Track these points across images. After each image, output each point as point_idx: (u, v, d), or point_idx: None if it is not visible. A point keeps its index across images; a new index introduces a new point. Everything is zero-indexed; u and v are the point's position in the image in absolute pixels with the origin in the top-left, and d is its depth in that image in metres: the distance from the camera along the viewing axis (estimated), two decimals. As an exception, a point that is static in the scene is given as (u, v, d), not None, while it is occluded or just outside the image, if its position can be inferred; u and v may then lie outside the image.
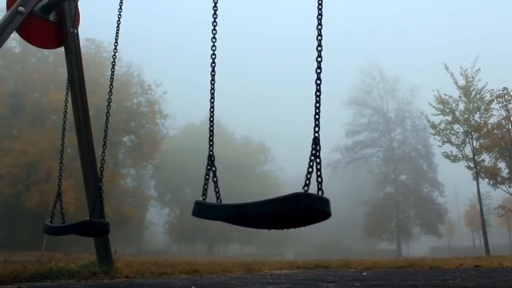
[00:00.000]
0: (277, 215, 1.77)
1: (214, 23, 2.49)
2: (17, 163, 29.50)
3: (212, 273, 5.49)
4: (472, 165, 22.88)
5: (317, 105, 1.88)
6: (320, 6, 2.04)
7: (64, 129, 4.12)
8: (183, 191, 56.04)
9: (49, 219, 3.73)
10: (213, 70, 2.46)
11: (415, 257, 16.04)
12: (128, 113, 36.41)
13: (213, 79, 2.46)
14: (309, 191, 1.72)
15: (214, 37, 2.47)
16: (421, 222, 47.63)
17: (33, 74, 34.20)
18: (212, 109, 2.45)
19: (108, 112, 3.65)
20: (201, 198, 2.11)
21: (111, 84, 3.77)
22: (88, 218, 3.72)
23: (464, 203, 55.15)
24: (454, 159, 23.49)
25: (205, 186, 2.15)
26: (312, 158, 1.77)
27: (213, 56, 2.46)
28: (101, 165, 3.56)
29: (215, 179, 2.19)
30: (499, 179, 23.01)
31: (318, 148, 1.80)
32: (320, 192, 1.73)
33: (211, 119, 2.44)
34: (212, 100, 2.46)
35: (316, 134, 1.83)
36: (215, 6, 2.53)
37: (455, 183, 53.43)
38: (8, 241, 31.71)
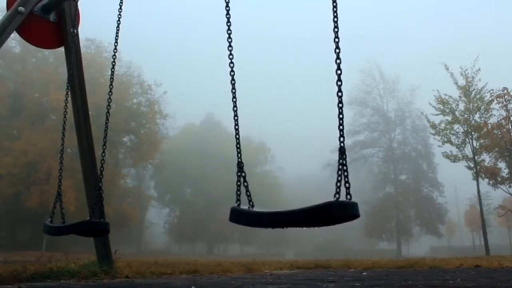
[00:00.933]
0: (311, 223, 1.91)
1: (229, 31, 2.48)
2: (17, 163, 29.50)
3: (212, 273, 5.49)
4: (472, 165, 22.87)
5: (340, 116, 1.98)
6: (335, 9, 2.06)
7: (64, 129, 4.12)
8: (183, 191, 56.06)
9: (49, 219, 3.73)
10: (232, 79, 2.46)
11: (415, 257, 16.04)
12: (128, 113, 36.41)
13: (233, 88, 2.46)
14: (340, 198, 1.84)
15: (230, 46, 2.47)
16: (421, 222, 47.63)
17: (33, 74, 34.20)
18: (236, 117, 2.46)
19: (108, 112, 3.65)
20: (235, 204, 2.20)
21: (111, 84, 3.77)
22: (88, 218, 3.72)
23: (464, 203, 55.18)
24: (454, 159, 23.48)
25: (238, 192, 2.23)
26: (340, 167, 1.88)
27: (231, 65, 2.45)
28: (101, 165, 3.56)
29: (245, 184, 2.25)
30: (499, 179, 23.00)
31: (344, 157, 1.91)
32: (348, 197, 1.84)
33: (236, 127, 2.47)
34: (234, 109, 2.45)
35: (342, 144, 1.93)
36: (227, 13, 2.52)
37: (455, 183, 53.46)
38: (8, 241, 31.69)
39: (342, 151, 1.91)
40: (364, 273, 5.38)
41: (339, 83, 1.98)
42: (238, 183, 2.24)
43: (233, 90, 2.46)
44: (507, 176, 23.01)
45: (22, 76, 33.40)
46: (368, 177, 49.65)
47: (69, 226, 3.52)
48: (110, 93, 3.70)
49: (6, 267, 4.34)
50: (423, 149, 49.76)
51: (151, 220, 54.77)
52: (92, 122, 4.92)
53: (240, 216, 2.16)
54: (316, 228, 2.08)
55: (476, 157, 22.87)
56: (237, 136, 2.45)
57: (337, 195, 1.84)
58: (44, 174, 29.28)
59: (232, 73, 2.45)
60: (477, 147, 23.14)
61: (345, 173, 1.88)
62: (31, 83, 33.35)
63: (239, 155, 2.35)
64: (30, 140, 30.21)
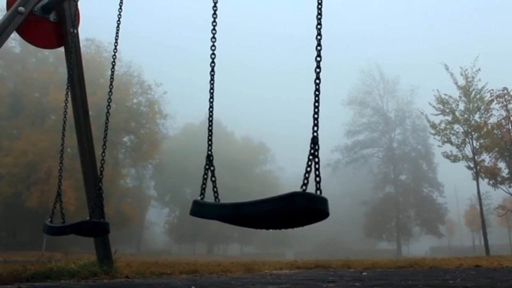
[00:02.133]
0: (274, 214, 1.76)
1: (214, 23, 2.49)
2: (17, 163, 29.51)
3: (212, 273, 5.49)
4: (472, 165, 22.86)
5: (316, 104, 1.88)
6: (319, 6, 2.04)
7: (64, 129, 4.12)
8: (183, 191, 56.01)
9: (49, 219, 3.73)
10: (212, 70, 2.46)
11: (415, 257, 16.03)
12: (128, 113, 36.42)
13: (212, 79, 2.47)
14: (308, 191, 1.70)
15: (213, 37, 2.48)
16: (421, 222, 47.64)
17: (33, 74, 34.22)
18: (211, 109, 2.46)
19: (108, 112, 3.65)
20: (199, 198, 2.11)
21: (111, 84, 3.77)
22: (88, 218, 3.72)
23: (464, 203, 55.16)
24: (454, 159, 23.47)
25: (203, 186, 2.14)
26: (311, 157, 1.76)
27: (213, 56, 2.47)
28: (101, 165, 3.56)
29: (213, 178, 2.19)
30: (499, 179, 22.99)
31: (316, 147, 1.79)
32: (318, 192, 1.72)
33: (210, 118, 2.44)
34: (211, 100, 2.47)
35: (315, 134, 1.82)
36: (214, 6, 2.53)
37: (455, 183, 53.41)
38: (8, 241, 31.71)
39: (314, 141, 1.80)
40: (364, 273, 5.38)
41: (317, 81, 1.93)
42: (205, 176, 2.16)
43: (212, 81, 2.46)
44: (507, 176, 23.01)
45: (22, 76, 33.41)
46: (368, 177, 49.68)
47: (69, 226, 3.53)
48: (110, 93, 3.70)
49: (6, 267, 4.34)
50: (423, 149, 49.78)
51: (151, 220, 54.80)
52: (92, 122, 4.92)
53: (201, 209, 2.04)
54: (284, 229, 1.97)
55: (476, 157, 22.86)
56: (210, 128, 2.38)
57: (303, 187, 1.70)
58: (44, 174, 29.28)
59: (212, 64, 2.45)
60: (477, 147, 23.13)
61: (316, 166, 1.76)
62: (31, 83, 33.36)
63: (209, 147, 2.27)
64: (30, 140, 30.21)
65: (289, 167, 61.54)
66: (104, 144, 3.59)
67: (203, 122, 60.86)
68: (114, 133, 32.52)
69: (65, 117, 4.16)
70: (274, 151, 60.72)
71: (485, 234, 22.65)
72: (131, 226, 39.39)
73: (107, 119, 3.67)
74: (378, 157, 52.12)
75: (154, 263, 7.04)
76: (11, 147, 29.76)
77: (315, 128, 1.83)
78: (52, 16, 4.61)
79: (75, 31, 4.62)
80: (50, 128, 30.47)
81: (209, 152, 2.25)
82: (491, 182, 23.14)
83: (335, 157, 50.48)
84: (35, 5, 4.37)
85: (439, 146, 24.38)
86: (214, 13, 2.52)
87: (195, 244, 56.79)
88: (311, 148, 1.78)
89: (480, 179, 22.82)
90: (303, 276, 4.89)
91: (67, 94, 4.27)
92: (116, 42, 3.87)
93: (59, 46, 4.85)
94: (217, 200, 2.13)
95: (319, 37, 1.97)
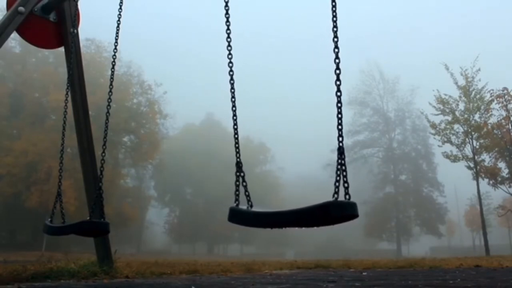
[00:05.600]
0: (311, 222, 1.91)
1: (228, 31, 2.49)
2: (17, 163, 29.51)
3: (212, 273, 5.49)
4: (472, 165, 22.86)
5: (339, 115, 1.98)
6: (334, 9, 2.05)
7: (64, 129, 4.12)
8: (183, 191, 56.03)
9: (49, 219, 3.73)
10: (231, 79, 2.46)
11: (415, 257, 16.04)
12: (128, 113, 36.43)
13: (232, 88, 2.47)
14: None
15: (229, 45, 2.48)
16: (421, 222, 47.63)
17: (33, 74, 34.23)
18: (235, 117, 2.45)
19: (108, 112, 3.65)
20: (234, 204, 2.20)
21: (111, 84, 3.77)
22: (88, 218, 3.72)
23: (464, 203, 55.17)
24: (454, 159, 23.47)
25: (237, 192, 2.23)
26: (339, 167, 1.89)
27: (230, 65, 2.46)
28: (101, 165, 3.56)
29: (244, 183, 2.26)
30: (499, 179, 22.99)
31: (343, 157, 1.91)
32: (347, 197, 1.84)
33: (235, 127, 2.45)
34: (233, 109, 2.46)
35: (341, 144, 1.93)
36: (227, 13, 2.53)
37: (455, 183, 53.43)
38: (8, 241, 31.71)
39: (341, 151, 1.91)
40: (364, 273, 5.38)
41: (337, 82, 1.97)
42: (237, 183, 2.25)
43: (232, 90, 2.46)
44: (507, 176, 23.01)
45: (22, 76, 33.42)
46: (368, 177, 49.65)
47: (69, 226, 3.52)
48: (110, 93, 3.70)
49: (6, 267, 4.34)
50: (423, 149, 49.77)
51: (151, 220, 54.79)
52: (92, 122, 4.92)
53: (239, 216, 2.16)
54: (315, 227, 2.09)
55: (476, 157, 22.86)
56: (236, 136, 2.43)
57: (335, 195, 1.84)
58: (44, 174, 29.29)
59: (231, 73, 2.46)
60: (477, 147, 23.13)
61: (344, 173, 1.89)
62: (31, 83, 33.37)
63: (238, 154, 2.35)
64: (30, 140, 30.22)
65: (289, 167, 61.63)
66: (104, 144, 3.59)
67: (203, 122, 60.93)
68: (114, 133, 32.53)
69: (65, 117, 4.16)
70: (274, 151, 60.78)
71: (485, 234, 22.65)
72: (131, 226, 39.39)
73: (107, 119, 3.67)
74: (378, 157, 52.13)
75: (154, 263, 7.03)
76: (11, 147, 29.76)
77: (340, 139, 1.94)
78: (52, 16, 4.61)
79: (75, 31, 4.62)
80: (50, 128, 30.48)
81: (238, 159, 2.34)
82: (491, 182, 23.14)
83: (335, 157, 50.32)
84: (35, 5, 4.37)
85: (439, 146, 24.40)
86: (227, 21, 2.52)
87: (195, 244, 56.78)
88: (339, 158, 1.91)
89: (480, 179, 22.83)
90: (303, 276, 4.89)
91: (67, 94, 4.26)
92: (116, 42, 3.87)
93: (59, 46, 4.85)
94: (249, 203, 2.19)
95: (335, 39, 2.02)
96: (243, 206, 2.18)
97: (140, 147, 38.74)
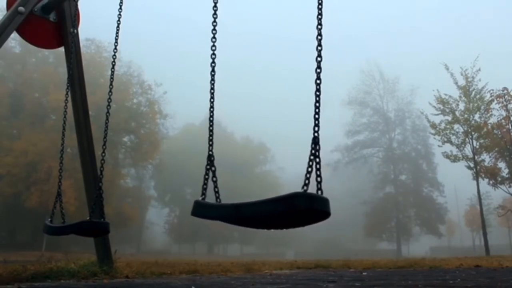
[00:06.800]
0: (275, 215, 1.76)
1: (214, 23, 2.49)
2: (17, 163, 29.51)
3: (212, 273, 5.49)
4: (472, 165, 22.85)
5: (317, 104, 1.88)
6: (320, 6, 2.04)
7: (64, 129, 4.12)
8: (183, 191, 56.00)
9: (49, 219, 3.73)
10: (213, 70, 2.47)
11: (415, 257, 16.03)
12: (128, 113, 36.42)
13: (212, 79, 2.47)
14: (309, 191, 1.70)
15: (214, 37, 2.48)
16: (421, 222, 47.63)
17: (33, 74, 34.22)
18: (211, 109, 2.46)
19: (108, 112, 3.65)
20: (200, 198, 2.11)
21: (111, 84, 3.77)
22: (88, 218, 3.72)
23: (464, 203, 55.15)
24: (454, 159, 23.46)
25: (205, 186, 2.15)
26: (312, 157, 1.76)
27: (213, 56, 2.47)
28: (101, 165, 3.56)
29: (214, 179, 2.19)
30: (499, 179, 22.98)
31: (317, 147, 1.79)
32: (319, 192, 1.72)
33: (211, 118, 2.44)
34: (211, 100, 2.47)
35: (316, 134, 1.82)
36: (215, 6, 2.54)
37: (455, 183, 53.43)
38: (8, 241, 31.71)
39: (315, 141, 1.80)
40: (364, 273, 5.38)
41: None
42: (206, 177, 2.17)
43: (212, 82, 2.46)
44: (507, 176, 23.00)
45: (22, 76, 33.41)
46: (368, 177, 49.69)
47: (69, 226, 3.52)
48: (110, 93, 3.70)
49: (6, 267, 4.34)
50: (423, 149, 49.77)
51: (151, 220, 54.80)
52: (92, 122, 4.92)
53: (202, 209, 2.05)
54: (285, 229, 1.97)
55: (476, 157, 22.85)
56: (211, 128, 2.40)
57: (305, 187, 1.71)
58: (44, 174, 29.28)
59: (213, 64, 2.45)
60: (477, 147, 23.13)
61: (317, 166, 1.76)
62: (31, 83, 33.37)
63: (210, 147, 2.28)
64: (30, 140, 30.21)
65: (289, 167, 61.58)
66: (104, 144, 3.59)
67: (203, 122, 60.84)
68: (114, 133, 32.52)
69: (65, 117, 4.16)
70: (274, 151, 60.79)
71: (485, 234, 22.65)
72: (131, 226, 39.39)
73: (107, 119, 3.67)
74: (378, 157, 52.13)
75: (154, 263, 7.03)
76: (11, 147, 29.75)
77: (316, 129, 1.83)
78: (52, 16, 4.61)
79: (75, 31, 4.62)
80: (50, 128, 30.48)
81: (210, 153, 2.25)
82: (491, 182, 23.14)
83: (335, 157, 50.37)
84: (35, 5, 4.37)
85: (439, 146, 24.39)
86: (215, 13, 2.52)
87: (195, 244, 56.79)
88: (312, 149, 1.78)
89: (480, 179, 22.82)
90: (303, 276, 4.89)
91: (67, 94, 4.27)
92: (116, 42, 3.87)
93: (59, 46, 4.85)
94: (218, 200, 2.13)
95: (319, 37, 1.98)
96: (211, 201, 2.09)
97: (140, 147, 38.74)
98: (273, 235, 49.41)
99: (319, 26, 1.99)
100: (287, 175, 60.40)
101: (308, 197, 1.66)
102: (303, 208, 1.66)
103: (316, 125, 1.83)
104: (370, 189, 48.50)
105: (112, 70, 3.86)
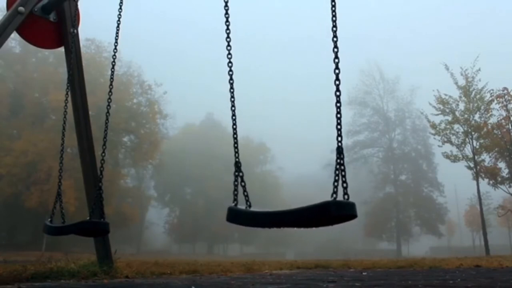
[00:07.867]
0: (310, 222, 1.93)
1: (228, 31, 2.49)
2: (17, 163, 29.49)
3: (212, 273, 5.49)
4: (472, 165, 22.85)
5: (338, 115, 1.96)
6: (333, 8, 2.06)
7: (64, 129, 4.12)
8: (183, 191, 56.01)
9: (49, 219, 3.73)
10: (231, 78, 2.48)
11: (415, 257, 16.04)
12: (128, 113, 36.41)
13: (231, 87, 2.48)
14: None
15: (229, 45, 2.49)
16: (421, 222, 47.61)
17: (33, 74, 34.19)
18: (233, 117, 2.46)
19: (108, 112, 3.65)
20: (232, 204, 2.20)
21: (111, 84, 3.77)
22: (88, 218, 3.72)
23: (464, 203, 55.12)
24: (454, 159, 23.47)
25: (235, 192, 2.24)
26: (337, 166, 1.89)
27: (230, 65, 2.47)
28: (101, 165, 3.56)
29: (243, 183, 2.27)
30: (499, 179, 22.98)
31: (342, 156, 1.91)
32: (346, 197, 1.86)
33: (234, 126, 2.46)
34: (232, 108, 2.47)
35: (339, 144, 1.92)
36: (226, 13, 2.54)
37: (455, 183, 53.44)
38: (8, 241, 31.71)
39: (339, 150, 1.91)
40: (364, 273, 5.38)
41: (337, 82, 1.98)
42: (236, 183, 2.25)
43: (232, 90, 2.47)
44: (507, 176, 23.00)
45: (22, 76, 33.38)
46: (368, 177, 49.63)
47: (69, 226, 3.52)
48: (110, 93, 3.70)
49: (6, 267, 4.34)
50: (423, 149, 49.73)
51: (151, 220, 54.77)
52: (92, 122, 4.92)
53: (237, 216, 2.16)
54: (314, 228, 2.09)
55: (476, 157, 22.85)
56: (235, 136, 2.43)
57: (334, 195, 1.84)
58: (44, 174, 29.28)
59: (230, 73, 2.47)
60: (477, 147, 23.13)
61: (343, 173, 1.89)
62: (31, 83, 33.34)
63: (237, 154, 2.35)
64: (30, 140, 30.20)
65: (289, 167, 61.63)
66: (104, 144, 3.59)
67: (203, 122, 60.93)
68: (114, 133, 32.50)
69: (65, 117, 4.16)
70: (274, 151, 60.77)
71: (485, 234, 22.65)
72: (131, 226, 39.37)
73: (107, 119, 3.67)
74: (378, 157, 52.10)
75: (154, 263, 7.03)
76: (11, 147, 29.74)
77: (339, 139, 1.94)
78: (52, 16, 4.61)
79: (75, 31, 4.62)
80: (50, 128, 30.46)
81: (237, 159, 2.34)
82: (491, 182, 23.14)
83: (335, 157, 50.42)
84: (35, 5, 4.37)
85: (439, 146, 24.39)
86: (227, 21, 2.53)
87: (195, 244, 56.79)
88: (337, 158, 1.91)
89: (480, 179, 22.82)
90: (303, 276, 4.89)
91: (67, 94, 4.27)
92: (116, 42, 3.87)
93: (59, 46, 4.85)
94: (248, 203, 2.19)
95: (335, 39, 2.01)
96: (242, 206, 2.18)
97: (140, 147, 38.72)
98: (273, 235, 49.36)
99: (334, 29, 2.04)
100: (287, 175, 60.49)
101: (338, 205, 1.83)
102: (335, 214, 1.82)
103: (339, 135, 1.94)
104: (370, 189, 48.44)
105: (112, 70, 3.87)
